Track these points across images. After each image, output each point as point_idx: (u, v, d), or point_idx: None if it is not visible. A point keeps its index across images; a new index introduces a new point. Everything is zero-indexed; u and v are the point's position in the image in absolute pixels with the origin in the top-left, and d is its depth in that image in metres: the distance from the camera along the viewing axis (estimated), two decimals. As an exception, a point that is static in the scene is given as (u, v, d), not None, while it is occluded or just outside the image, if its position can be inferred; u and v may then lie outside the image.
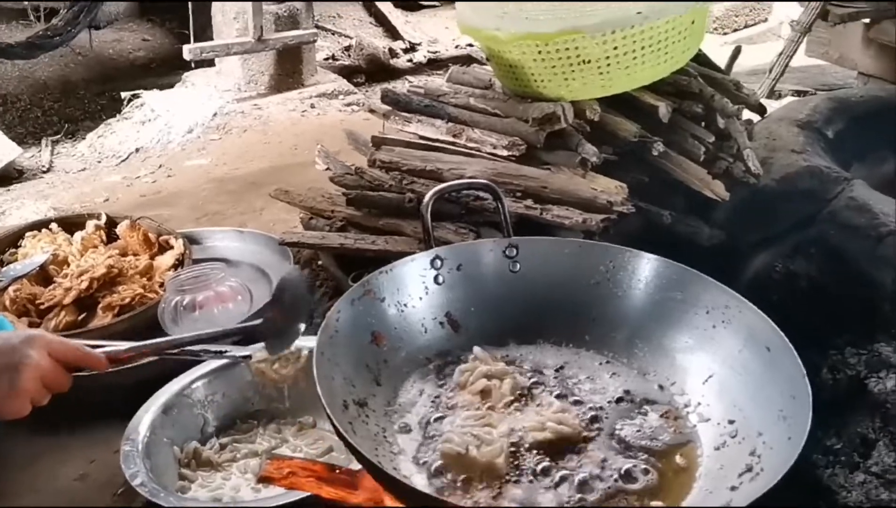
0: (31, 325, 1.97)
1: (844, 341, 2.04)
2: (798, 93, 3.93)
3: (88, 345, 1.25)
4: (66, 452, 1.74)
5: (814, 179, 2.06)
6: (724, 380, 1.20)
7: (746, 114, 2.26)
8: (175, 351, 1.39)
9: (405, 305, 1.31)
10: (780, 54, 3.83)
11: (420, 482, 1.06)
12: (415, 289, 1.33)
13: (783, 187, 2.08)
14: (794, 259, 2.01)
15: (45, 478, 1.68)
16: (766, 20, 6.25)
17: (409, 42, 5.75)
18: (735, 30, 6.19)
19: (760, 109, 2.27)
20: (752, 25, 6.24)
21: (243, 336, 1.48)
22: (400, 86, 3.95)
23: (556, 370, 1.28)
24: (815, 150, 2.16)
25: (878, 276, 1.91)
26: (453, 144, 2.07)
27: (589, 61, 1.90)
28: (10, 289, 2.02)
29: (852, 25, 3.76)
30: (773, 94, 3.87)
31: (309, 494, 1.33)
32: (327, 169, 2.21)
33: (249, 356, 1.55)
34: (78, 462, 1.72)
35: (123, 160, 3.73)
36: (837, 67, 4.42)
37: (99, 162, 3.77)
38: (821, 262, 2.00)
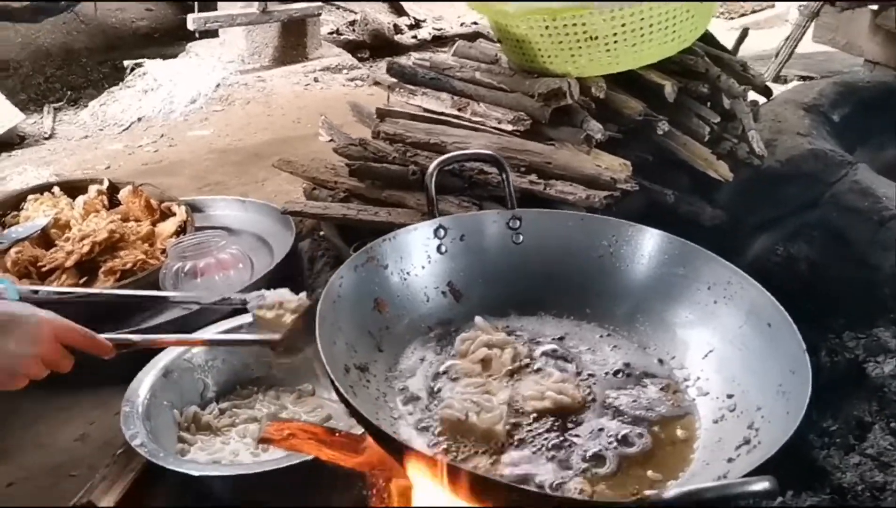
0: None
1: (843, 324, 2.05)
2: (804, 78, 3.91)
3: None
4: (68, 413, 1.76)
5: (818, 162, 2.06)
6: (724, 355, 1.20)
7: (752, 96, 2.25)
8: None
9: (408, 273, 1.31)
10: (787, 38, 3.81)
11: (419, 445, 1.07)
12: (418, 258, 1.33)
13: (787, 169, 2.07)
14: (796, 241, 2.01)
15: (48, 437, 1.70)
16: (773, 5, 6.21)
17: (415, 18, 5.72)
18: (742, 14, 6.15)
19: (766, 91, 2.26)
20: (760, 11, 6.20)
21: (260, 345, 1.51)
22: (406, 59, 3.94)
23: (557, 341, 1.28)
24: (820, 133, 2.15)
25: (879, 260, 1.91)
26: (458, 117, 2.07)
27: (596, 37, 1.89)
28: (12, 251, 2.03)
29: (860, 12, 3.73)
30: (778, 78, 3.85)
31: (307, 459, 1.35)
32: (331, 140, 2.21)
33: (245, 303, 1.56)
34: (79, 423, 1.74)
35: (125, 129, 3.72)
36: (844, 54, 4.39)
37: (101, 130, 3.75)
38: (822, 245, 2.00)
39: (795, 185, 2.06)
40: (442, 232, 1.35)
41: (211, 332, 1.71)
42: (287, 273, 2.05)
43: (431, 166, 1.37)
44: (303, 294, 1.44)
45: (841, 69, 4.42)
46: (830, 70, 4.38)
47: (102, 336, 1.25)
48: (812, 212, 2.03)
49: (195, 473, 1.43)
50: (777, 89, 2.73)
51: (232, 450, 1.58)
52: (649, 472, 1.06)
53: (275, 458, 1.45)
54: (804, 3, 3.84)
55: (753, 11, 6.19)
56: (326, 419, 1.64)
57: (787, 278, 2.09)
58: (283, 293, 1.46)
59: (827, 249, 2.05)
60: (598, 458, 1.07)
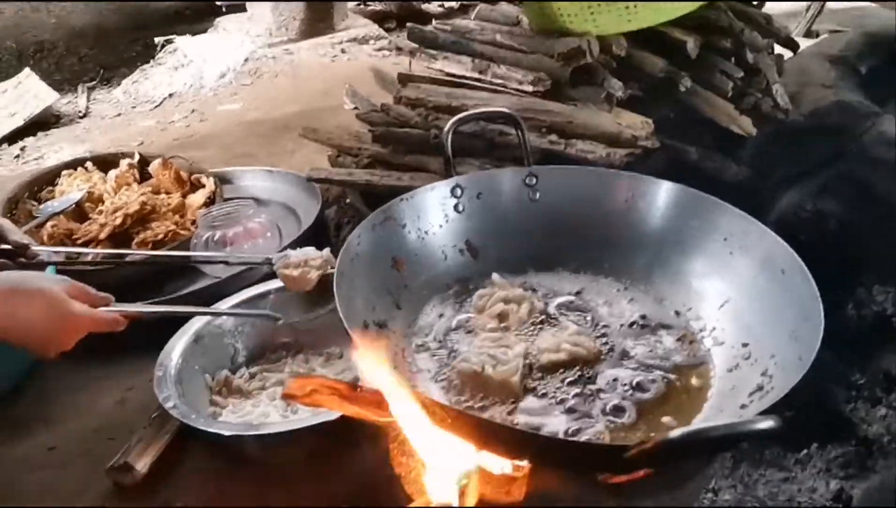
0: (68, 258, 2.03)
1: (873, 278, 2.03)
2: (834, 32, 3.83)
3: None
4: (107, 380, 1.81)
5: (843, 114, 2.03)
6: (739, 305, 1.22)
7: (779, 50, 2.22)
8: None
9: (425, 232, 1.34)
10: (818, -7, 3.74)
11: (437, 396, 1.10)
12: (435, 216, 1.35)
13: (812, 123, 2.05)
14: (822, 195, 1.99)
15: (88, 403, 1.75)
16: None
17: (442, -13, 5.69)
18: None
19: (792, 44, 2.23)
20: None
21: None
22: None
23: (574, 295, 1.30)
24: (846, 85, 2.12)
25: (906, 211, 1.89)
26: (479, 80, 2.07)
27: (616, -6, 1.88)
28: (48, 225, 2.08)
29: (894, -37, 3.63)
30: (809, 33, 3.76)
31: (336, 418, 1.38)
32: (355, 108, 2.22)
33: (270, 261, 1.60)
34: (117, 390, 1.78)
35: (157, 105, 3.77)
36: (880, 9, 4.30)
37: (133, 107, 3.81)
38: (850, 198, 1.98)
39: (821, 138, 2.04)
40: (459, 191, 1.37)
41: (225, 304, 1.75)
42: (314, 240, 2.08)
43: (447, 126, 1.38)
44: (327, 250, 1.46)
45: (880, 24, 4.33)
46: (864, 25, 4.29)
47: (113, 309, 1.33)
48: (838, 165, 2.01)
49: (226, 433, 1.47)
50: (806, 44, 2.68)
51: (262, 412, 1.62)
52: (664, 418, 1.08)
53: (304, 418, 1.49)
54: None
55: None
56: (354, 380, 1.66)
57: (816, 234, 2.07)
58: (308, 251, 1.49)
59: (855, 202, 2.02)
60: (616, 408, 1.09)
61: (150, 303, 1.83)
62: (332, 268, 1.40)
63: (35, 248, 1.64)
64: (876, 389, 1.78)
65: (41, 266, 1.66)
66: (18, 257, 1.61)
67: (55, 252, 1.80)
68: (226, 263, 1.69)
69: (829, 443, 1.66)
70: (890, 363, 1.84)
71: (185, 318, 1.70)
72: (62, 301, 1.24)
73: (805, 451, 1.64)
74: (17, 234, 1.64)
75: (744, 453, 1.66)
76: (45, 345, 1.26)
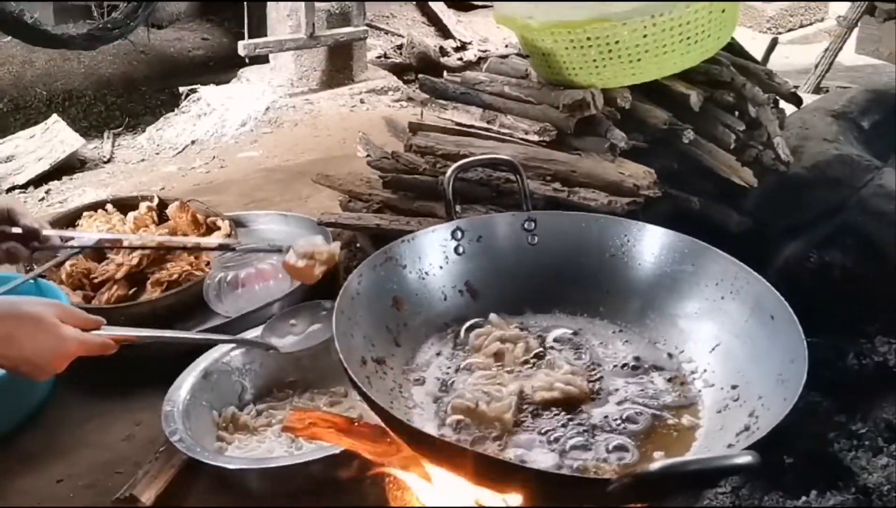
0: (85, 298, 2.09)
1: (876, 329, 2.04)
2: (841, 88, 3.89)
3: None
4: (115, 415, 1.85)
5: (844, 167, 2.07)
6: (729, 348, 1.24)
7: (783, 104, 2.27)
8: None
9: (426, 272, 1.38)
10: (826, 50, 3.81)
11: (431, 430, 1.13)
12: (435, 258, 1.39)
13: (813, 175, 2.08)
14: (823, 246, 2.02)
15: (97, 437, 1.79)
16: (822, 20, 6.17)
17: (461, 41, 5.82)
18: (790, 29, 6.11)
19: (795, 99, 2.28)
20: (808, 25, 6.16)
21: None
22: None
23: (570, 336, 1.33)
24: (847, 139, 2.16)
25: (906, 263, 1.91)
26: (487, 129, 2.13)
27: (619, 49, 1.94)
28: (67, 264, 2.14)
29: (903, 23, 3.71)
30: (819, 89, 3.83)
31: (340, 451, 1.41)
32: (367, 155, 2.29)
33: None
34: (126, 424, 1.83)
35: (180, 152, 3.87)
36: (892, 66, 4.35)
37: (157, 154, 3.91)
38: (849, 249, 2.00)
39: (822, 190, 2.07)
40: (459, 234, 1.41)
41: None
42: (324, 282, 2.13)
43: (449, 172, 1.43)
44: (336, 244, 1.46)
45: (889, 82, 4.38)
46: (875, 83, 4.35)
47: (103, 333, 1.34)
48: (838, 217, 2.03)
49: (231, 466, 1.51)
50: (810, 99, 2.73)
51: (267, 448, 1.65)
52: (655, 454, 1.10)
53: (308, 453, 1.52)
54: (842, 15, 3.82)
55: (802, 26, 6.15)
56: (359, 418, 1.70)
57: (816, 284, 2.09)
58: (316, 242, 1.48)
59: (856, 254, 2.04)
60: (616, 447, 1.12)
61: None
62: (339, 261, 1.40)
63: (46, 232, 1.69)
64: (877, 438, 1.78)
65: (52, 250, 1.70)
66: (31, 241, 1.67)
67: (63, 238, 1.82)
68: (233, 249, 1.68)
69: (828, 491, 1.66)
70: (891, 412, 1.84)
71: (196, 352, 1.75)
72: (53, 325, 1.25)
73: (804, 498, 1.64)
74: (29, 218, 1.68)
75: (743, 499, 1.66)
76: (36, 369, 1.26)
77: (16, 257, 1.70)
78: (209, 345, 1.71)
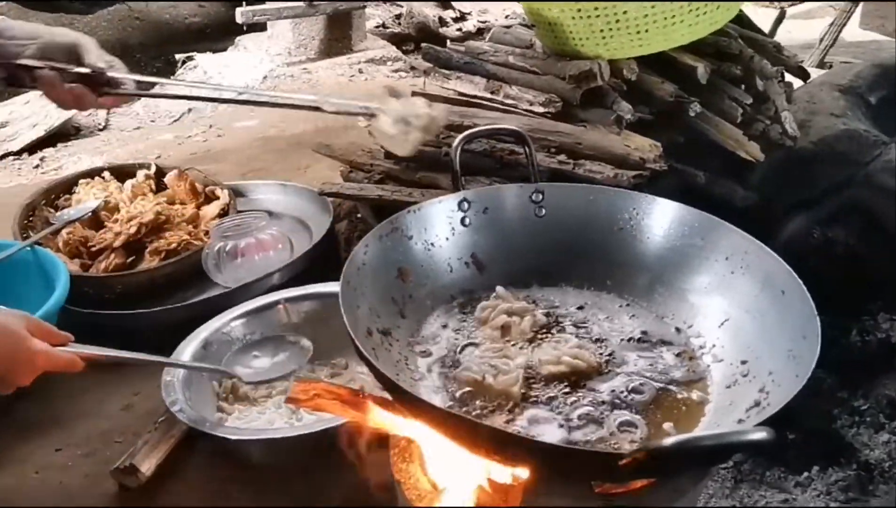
0: (82, 267, 2.06)
1: (879, 306, 2.04)
2: (847, 64, 3.86)
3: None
4: (115, 385, 1.83)
5: (851, 143, 2.05)
6: (739, 323, 1.23)
7: (789, 78, 2.25)
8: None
9: (432, 244, 1.36)
10: (832, 24, 3.77)
11: (437, 402, 1.11)
12: (442, 229, 1.37)
13: (820, 150, 2.07)
14: (829, 222, 2.01)
15: (96, 407, 1.77)
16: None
17: (460, 11, 5.75)
18: (793, 4, 6.05)
19: (802, 73, 2.25)
20: (811, -1, 6.10)
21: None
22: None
23: (577, 309, 1.32)
24: (855, 114, 2.14)
25: (912, 239, 1.90)
26: (491, 100, 2.11)
27: (626, 20, 1.91)
28: (64, 232, 2.11)
29: (909, -3, 3.67)
30: (823, 64, 3.80)
31: (341, 423, 1.40)
32: (368, 124, 2.25)
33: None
34: (125, 394, 1.81)
35: (176, 120, 3.83)
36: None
37: (153, 121, 3.87)
38: (855, 225, 2.00)
39: (828, 165, 2.05)
40: (466, 205, 1.39)
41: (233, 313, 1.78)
42: (325, 253, 2.11)
43: (456, 141, 1.41)
44: (441, 107, 1.29)
45: (893, 57, 4.35)
46: (881, 58, 4.32)
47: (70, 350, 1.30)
48: (845, 192, 2.02)
49: (231, 437, 1.49)
50: (817, 74, 2.70)
51: (268, 419, 1.64)
52: (665, 425, 1.09)
53: (308, 424, 1.51)
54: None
55: (803, 0, 6.09)
56: (361, 390, 1.68)
57: (822, 260, 2.08)
58: (416, 103, 1.37)
59: (861, 230, 2.04)
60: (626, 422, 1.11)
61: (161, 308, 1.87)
62: (440, 130, 1.25)
63: (113, 73, 1.53)
64: (879, 415, 1.79)
65: (123, 97, 1.58)
66: (100, 85, 1.52)
67: (139, 82, 1.61)
68: (320, 109, 1.54)
69: (830, 467, 1.67)
70: (893, 389, 1.84)
71: (195, 322, 1.74)
72: (22, 338, 1.21)
73: (806, 474, 1.65)
74: (95, 54, 1.52)
75: (744, 474, 1.66)
76: (1, 380, 1.22)
77: (83, 103, 1.54)
78: (181, 365, 1.68)
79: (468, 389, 1.15)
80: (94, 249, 2.11)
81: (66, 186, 2.33)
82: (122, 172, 2.39)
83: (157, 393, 1.59)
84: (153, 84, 1.65)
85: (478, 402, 1.13)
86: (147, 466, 1.53)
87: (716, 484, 1.62)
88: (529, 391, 1.15)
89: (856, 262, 2.03)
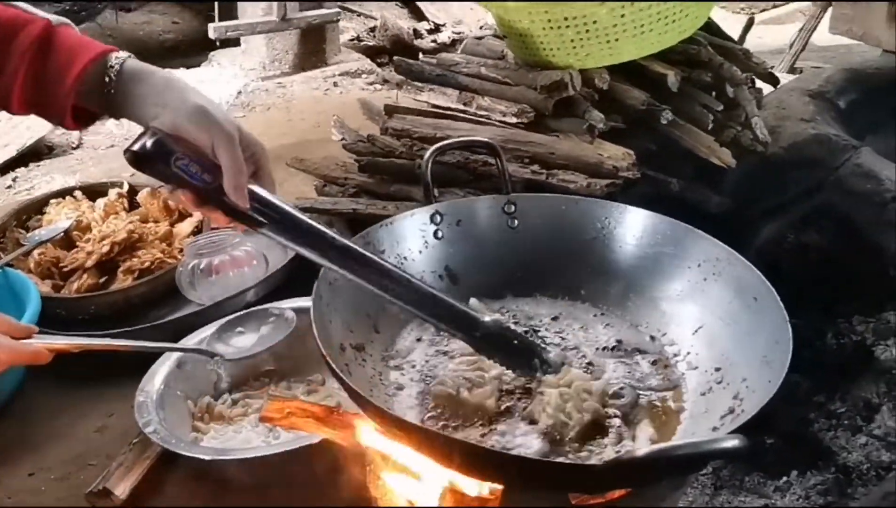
0: (54, 288, 2.04)
1: (854, 309, 2.05)
2: (817, 69, 3.90)
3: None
4: (89, 406, 1.81)
5: (821, 147, 2.07)
6: (713, 330, 1.23)
7: (760, 84, 2.26)
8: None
9: (405, 257, 1.35)
10: (801, 30, 3.81)
11: (412, 418, 1.11)
12: (414, 243, 1.37)
13: (791, 155, 2.08)
14: (802, 226, 2.02)
15: (69, 429, 1.75)
16: (795, -1, 6.19)
17: (434, 23, 5.75)
18: (763, 10, 6.12)
19: (772, 79, 2.27)
20: (781, 4, 6.17)
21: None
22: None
23: (551, 320, 1.31)
24: (824, 119, 2.16)
25: (883, 242, 1.92)
26: (464, 112, 2.11)
27: (597, 29, 1.92)
28: (35, 253, 2.09)
29: (876, 2, 3.70)
30: (794, 70, 3.84)
31: (317, 442, 1.39)
32: (342, 139, 2.25)
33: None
34: (99, 416, 1.78)
35: (150, 137, 3.80)
36: (865, 46, 4.36)
37: (126, 139, 3.83)
38: (828, 229, 2.01)
39: (800, 170, 2.07)
40: (438, 218, 1.39)
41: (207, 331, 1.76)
42: (300, 268, 2.10)
43: (427, 153, 1.41)
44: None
45: (862, 61, 4.40)
46: (850, 63, 4.36)
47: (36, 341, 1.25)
48: (817, 197, 2.04)
49: (206, 457, 1.47)
50: (787, 79, 2.73)
51: (244, 438, 1.62)
52: (642, 429, 1.09)
53: (285, 442, 1.49)
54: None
55: (774, 6, 6.16)
56: (337, 406, 1.67)
57: (796, 265, 2.10)
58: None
59: (835, 234, 2.05)
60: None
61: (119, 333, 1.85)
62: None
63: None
64: (856, 417, 1.80)
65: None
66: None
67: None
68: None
69: (809, 471, 1.67)
70: (870, 391, 1.85)
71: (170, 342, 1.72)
72: None
73: (785, 478, 1.65)
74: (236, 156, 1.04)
75: (724, 480, 1.66)
76: None
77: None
78: (160, 351, 1.66)
79: (443, 403, 1.14)
80: (65, 269, 2.08)
81: (37, 207, 2.30)
82: (94, 192, 2.37)
83: (131, 414, 1.56)
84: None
85: (453, 416, 1.12)
86: (121, 489, 1.50)
87: (695, 491, 1.62)
88: (506, 402, 1.15)
89: (829, 265, 2.04)
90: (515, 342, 1.17)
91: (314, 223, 1.11)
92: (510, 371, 1.18)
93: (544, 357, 1.17)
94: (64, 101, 1.07)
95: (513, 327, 1.21)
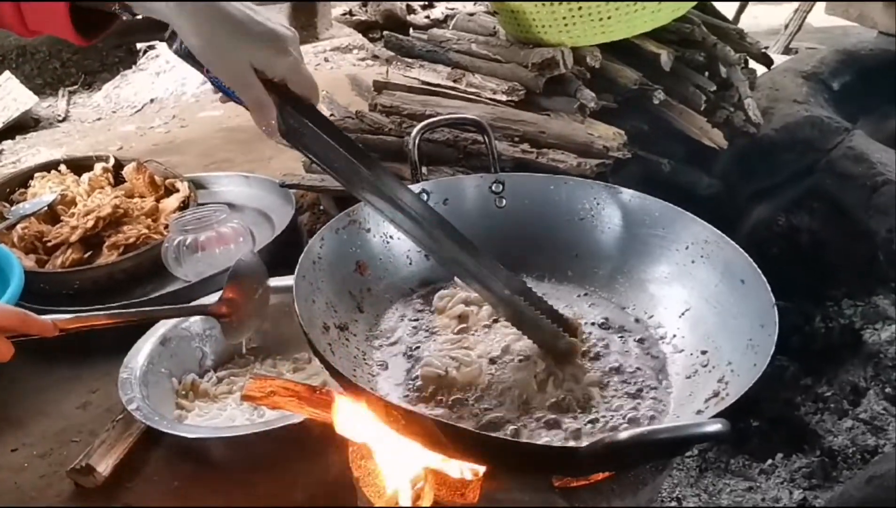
0: (38, 262, 2.02)
1: (843, 293, 2.05)
2: (811, 50, 3.87)
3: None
4: (71, 383, 1.80)
5: (814, 129, 2.05)
6: (699, 313, 1.22)
7: (753, 65, 2.24)
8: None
9: (391, 236, 1.33)
10: (796, 10, 3.78)
11: (396, 399, 1.10)
12: (400, 221, 1.35)
13: (783, 137, 2.07)
14: (792, 209, 2.01)
15: (52, 406, 1.74)
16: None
17: (427, -2, 5.72)
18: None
19: (765, 60, 2.25)
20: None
21: (199, 314, 1.53)
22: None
23: (536, 300, 1.30)
24: (817, 101, 2.14)
25: (873, 225, 1.91)
26: (454, 89, 2.08)
27: (589, 7, 1.89)
28: (19, 227, 2.07)
29: (873, -17, 3.67)
30: (788, 51, 3.81)
31: (300, 421, 1.38)
32: (331, 115, 2.23)
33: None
34: (81, 392, 1.78)
35: (138, 110, 3.77)
36: (862, 28, 4.33)
37: (114, 112, 3.81)
38: (819, 212, 2.00)
39: (791, 152, 2.05)
40: (425, 196, 1.37)
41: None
42: (287, 245, 2.08)
43: (414, 131, 1.39)
44: None
45: (857, 42, 4.37)
46: (845, 44, 4.33)
47: (46, 317, 1.16)
48: (808, 180, 2.02)
49: (189, 435, 1.47)
50: (781, 60, 2.70)
51: (229, 416, 1.61)
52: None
53: (267, 421, 1.49)
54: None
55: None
56: (322, 385, 1.66)
57: (786, 247, 2.09)
58: None
59: (825, 217, 2.04)
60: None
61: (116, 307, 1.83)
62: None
63: None
64: (842, 401, 1.80)
65: None
66: None
67: None
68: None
69: (794, 454, 1.67)
70: (857, 375, 1.85)
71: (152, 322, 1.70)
72: None
73: (770, 461, 1.65)
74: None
75: (709, 462, 1.66)
76: None
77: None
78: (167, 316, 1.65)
79: (430, 384, 1.12)
80: (50, 244, 2.07)
81: (22, 180, 2.28)
82: (80, 166, 2.35)
83: (115, 391, 1.55)
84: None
85: (442, 396, 1.11)
86: (104, 466, 1.50)
87: (681, 473, 1.62)
88: (493, 380, 1.13)
89: (819, 248, 2.04)
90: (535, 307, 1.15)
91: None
92: (494, 348, 1.17)
93: (564, 318, 1.16)
94: None
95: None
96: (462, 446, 0.96)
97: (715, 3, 2.32)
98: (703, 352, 1.16)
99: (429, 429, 0.96)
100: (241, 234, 2.06)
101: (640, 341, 1.22)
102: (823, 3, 3.94)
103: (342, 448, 1.25)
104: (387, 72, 2.26)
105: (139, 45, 4.31)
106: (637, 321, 1.26)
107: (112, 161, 2.34)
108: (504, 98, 1.97)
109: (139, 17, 1.04)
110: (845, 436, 1.71)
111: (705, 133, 1.97)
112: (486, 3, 2.40)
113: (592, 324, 1.24)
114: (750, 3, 4.05)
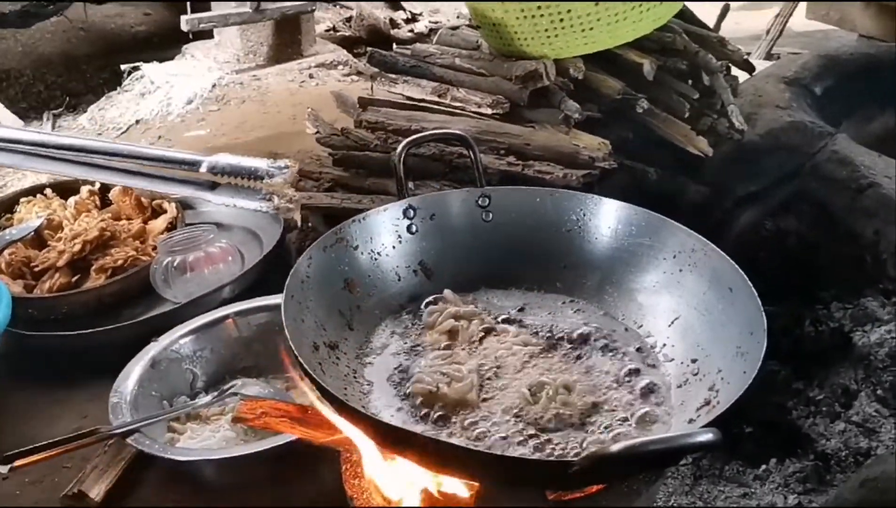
0: (26, 288, 2.01)
1: (832, 295, 2.06)
2: (793, 55, 3.90)
3: None
4: (62, 407, 1.78)
5: (797, 134, 2.07)
6: (688, 321, 1.22)
7: (735, 71, 2.26)
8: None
9: (378, 253, 1.34)
10: (777, 15, 3.82)
11: (387, 418, 1.09)
12: (388, 238, 1.35)
13: (767, 142, 2.08)
14: (779, 213, 2.02)
15: (43, 431, 1.72)
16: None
17: (411, 12, 5.73)
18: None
19: (747, 66, 2.27)
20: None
21: None
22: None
23: (517, 311, 1.30)
24: (800, 105, 2.16)
25: (859, 228, 1.92)
26: (438, 103, 2.09)
27: (571, 18, 1.90)
28: (6, 253, 2.05)
29: (852, -13, 3.70)
30: (770, 56, 3.84)
31: (294, 440, 1.37)
32: (317, 132, 2.23)
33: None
34: (72, 417, 1.76)
35: (123, 132, 3.75)
36: (842, 32, 4.37)
37: (99, 134, 3.78)
38: (805, 215, 2.01)
39: (776, 157, 2.07)
40: (412, 212, 1.37)
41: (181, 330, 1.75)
42: (276, 263, 2.08)
43: (399, 147, 1.39)
44: None
45: (838, 46, 4.40)
46: (827, 48, 4.36)
47: None
48: (793, 184, 2.04)
49: (181, 458, 1.46)
50: (763, 66, 2.73)
51: (222, 438, 1.60)
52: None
53: (260, 443, 1.48)
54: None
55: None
56: (311, 406, 1.66)
57: (774, 252, 2.10)
58: None
59: (812, 221, 2.06)
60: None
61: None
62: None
63: None
64: (834, 404, 1.80)
65: None
66: None
67: None
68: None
69: (787, 458, 1.67)
70: (848, 378, 1.86)
71: (143, 340, 1.69)
72: None
73: (764, 467, 1.65)
74: None
75: (703, 470, 1.66)
76: None
77: None
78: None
79: (422, 400, 1.12)
80: (37, 269, 2.05)
81: (7, 205, 2.27)
82: (65, 189, 2.33)
83: (105, 414, 1.54)
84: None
85: (433, 412, 1.11)
86: (96, 491, 1.48)
87: (675, 482, 1.62)
88: (485, 394, 1.13)
89: (807, 252, 2.05)
90: None
91: None
92: (485, 362, 1.17)
93: None
94: None
95: None
96: (454, 462, 0.96)
97: (696, 11, 2.33)
98: (693, 360, 1.17)
99: (421, 446, 0.95)
100: (230, 253, 2.05)
101: (631, 351, 1.22)
102: (804, 8, 3.98)
103: (335, 467, 1.25)
104: (371, 88, 2.26)
105: (123, 67, 4.30)
106: (626, 330, 1.27)
107: (98, 184, 2.33)
108: (489, 111, 1.98)
109: None
110: (838, 439, 1.72)
111: (690, 141, 1.98)
112: (469, 17, 2.41)
113: (582, 335, 1.24)
114: (731, 9, 4.08)
